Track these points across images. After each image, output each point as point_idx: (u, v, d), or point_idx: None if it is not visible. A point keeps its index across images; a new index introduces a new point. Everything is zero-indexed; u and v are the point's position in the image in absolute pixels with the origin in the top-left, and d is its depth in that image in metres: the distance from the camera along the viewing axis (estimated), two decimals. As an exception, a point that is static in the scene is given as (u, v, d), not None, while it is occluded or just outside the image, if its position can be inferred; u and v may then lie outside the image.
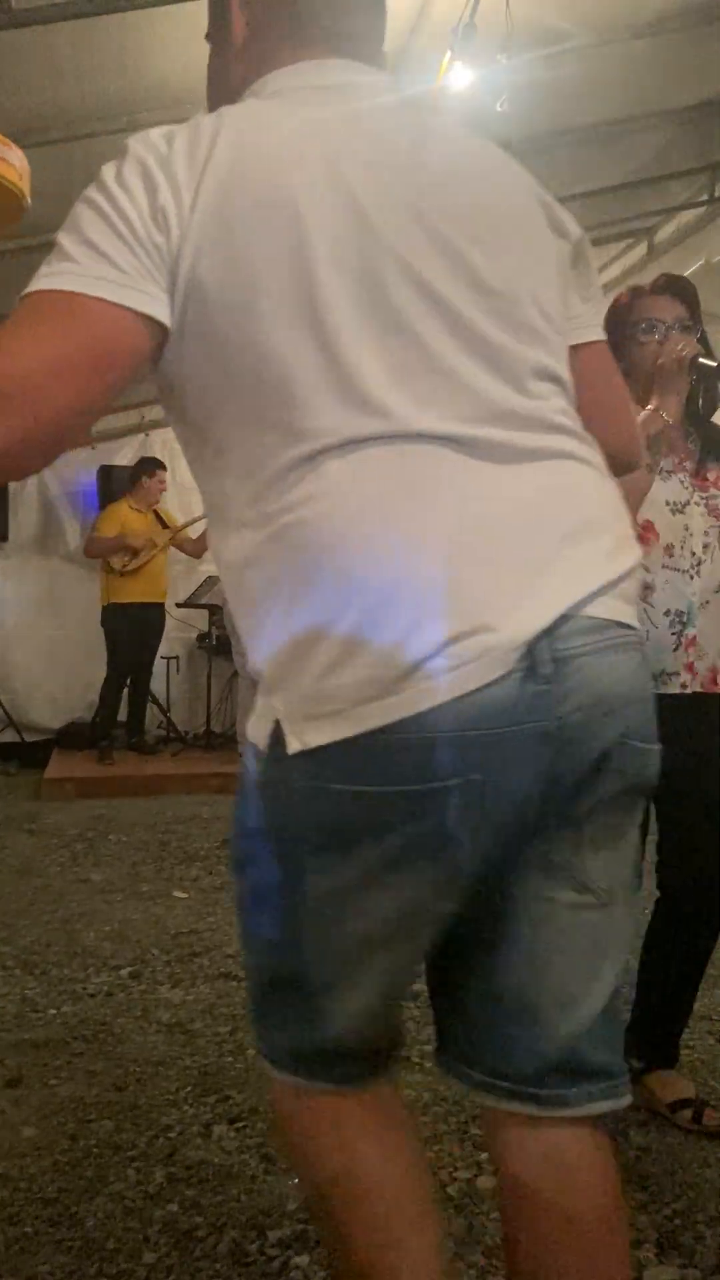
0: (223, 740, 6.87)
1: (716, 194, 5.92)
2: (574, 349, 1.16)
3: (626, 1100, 1.10)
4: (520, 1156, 1.11)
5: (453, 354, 1.02)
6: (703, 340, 2.13)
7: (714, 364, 2.01)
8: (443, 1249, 1.19)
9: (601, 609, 1.01)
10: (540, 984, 1.07)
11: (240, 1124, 2.21)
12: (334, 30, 1.15)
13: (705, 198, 6.01)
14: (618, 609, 1.04)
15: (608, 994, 1.09)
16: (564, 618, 0.98)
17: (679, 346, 2.00)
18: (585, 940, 1.07)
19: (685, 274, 6.67)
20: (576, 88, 4.51)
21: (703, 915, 2.18)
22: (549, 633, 0.97)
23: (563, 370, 1.12)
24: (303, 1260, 1.75)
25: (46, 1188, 1.97)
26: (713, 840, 2.14)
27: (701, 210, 6.11)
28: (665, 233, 6.59)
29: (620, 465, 1.23)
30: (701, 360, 2.00)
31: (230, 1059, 2.53)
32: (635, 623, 1.08)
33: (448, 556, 0.96)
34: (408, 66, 3.95)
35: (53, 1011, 2.82)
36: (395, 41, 3.95)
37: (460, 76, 3.77)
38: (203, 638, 7.21)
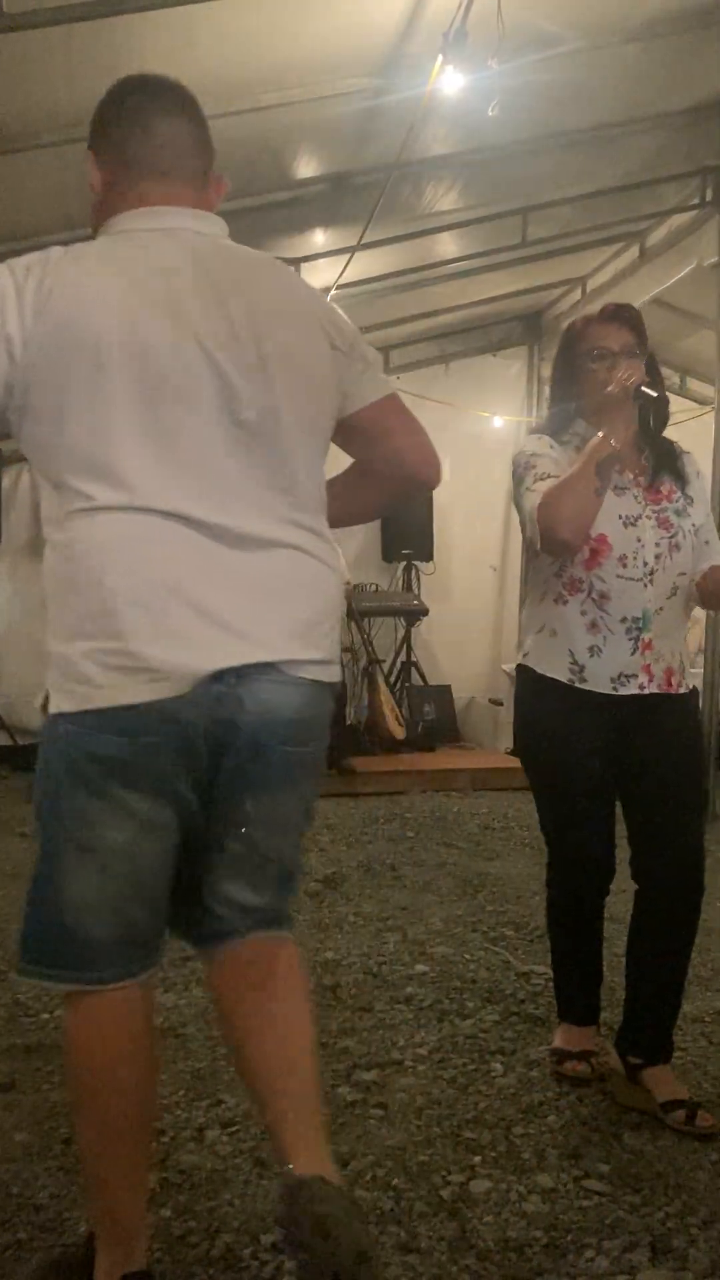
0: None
1: (708, 198, 5.93)
2: (356, 413, 1.62)
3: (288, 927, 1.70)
4: (232, 959, 1.64)
5: (206, 459, 1.45)
6: (650, 364, 2.26)
7: (654, 394, 2.18)
8: (146, 1173, 1.62)
9: (286, 661, 1.51)
10: (232, 867, 1.59)
11: (233, 1128, 2.21)
12: (159, 179, 1.55)
13: (697, 201, 6.03)
14: (302, 660, 1.52)
15: (278, 870, 1.65)
16: (260, 664, 1.48)
17: (624, 375, 2.15)
18: (251, 850, 1.60)
19: (677, 278, 6.70)
20: (568, 92, 4.52)
21: (677, 901, 2.29)
22: (237, 671, 1.46)
23: (302, 481, 1.54)
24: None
25: (39, 1194, 1.97)
26: (678, 828, 2.28)
27: (693, 214, 6.13)
28: (657, 236, 6.60)
29: (416, 487, 1.75)
30: (643, 389, 2.16)
31: (223, 1063, 2.52)
32: (324, 677, 1.57)
33: (152, 600, 1.42)
34: (399, 72, 3.96)
35: (45, 1016, 2.81)
36: (386, 46, 3.96)
37: (452, 81, 3.77)
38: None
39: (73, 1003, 1.52)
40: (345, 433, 1.65)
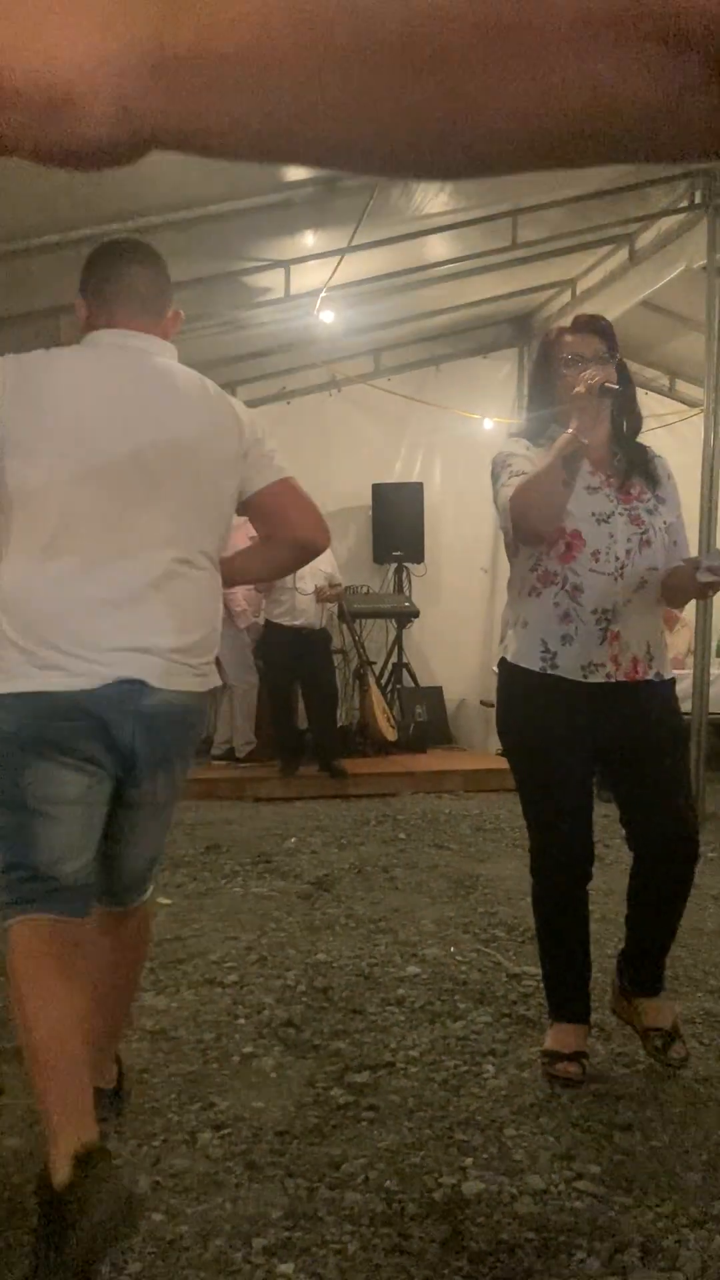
0: (205, 745, 6.86)
1: (697, 200, 5.95)
2: (255, 494, 2.08)
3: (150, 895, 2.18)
4: (116, 924, 2.10)
5: (121, 529, 1.89)
6: (621, 368, 2.43)
7: (615, 387, 2.36)
8: (87, 1081, 1.84)
9: (176, 681, 1.92)
10: (142, 836, 2.06)
11: (224, 1131, 2.21)
12: (123, 312, 2.01)
13: (685, 204, 6.05)
14: (186, 680, 1.94)
15: (161, 838, 2.12)
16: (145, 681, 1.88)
17: (589, 375, 2.31)
18: (150, 822, 2.06)
19: (666, 280, 6.71)
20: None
21: (669, 866, 2.44)
22: (134, 682, 1.87)
23: (198, 543, 1.98)
24: (288, 1268, 1.75)
25: (29, 1199, 1.95)
26: (664, 790, 2.43)
27: (682, 217, 6.15)
28: (646, 239, 6.62)
29: (309, 553, 2.19)
30: (606, 385, 2.33)
31: (215, 1066, 2.52)
32: (197, 687, 1.98)
33: (80, 618, 1.85)
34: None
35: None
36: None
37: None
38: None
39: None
40: (250, 510, 2.13)
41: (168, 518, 1.92)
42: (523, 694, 2.44)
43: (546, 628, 2.37)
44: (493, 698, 8.01)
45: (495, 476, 2.43)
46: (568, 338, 2.43)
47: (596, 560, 2.34)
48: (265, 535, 2.21)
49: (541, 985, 2.62)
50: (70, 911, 1.85)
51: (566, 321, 2.53)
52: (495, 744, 7.64)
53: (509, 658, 2.46)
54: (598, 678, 2.36)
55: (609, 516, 2.37)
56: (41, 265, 4.59)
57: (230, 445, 2.03)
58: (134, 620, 1.87)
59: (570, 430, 2.27)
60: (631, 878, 2.51)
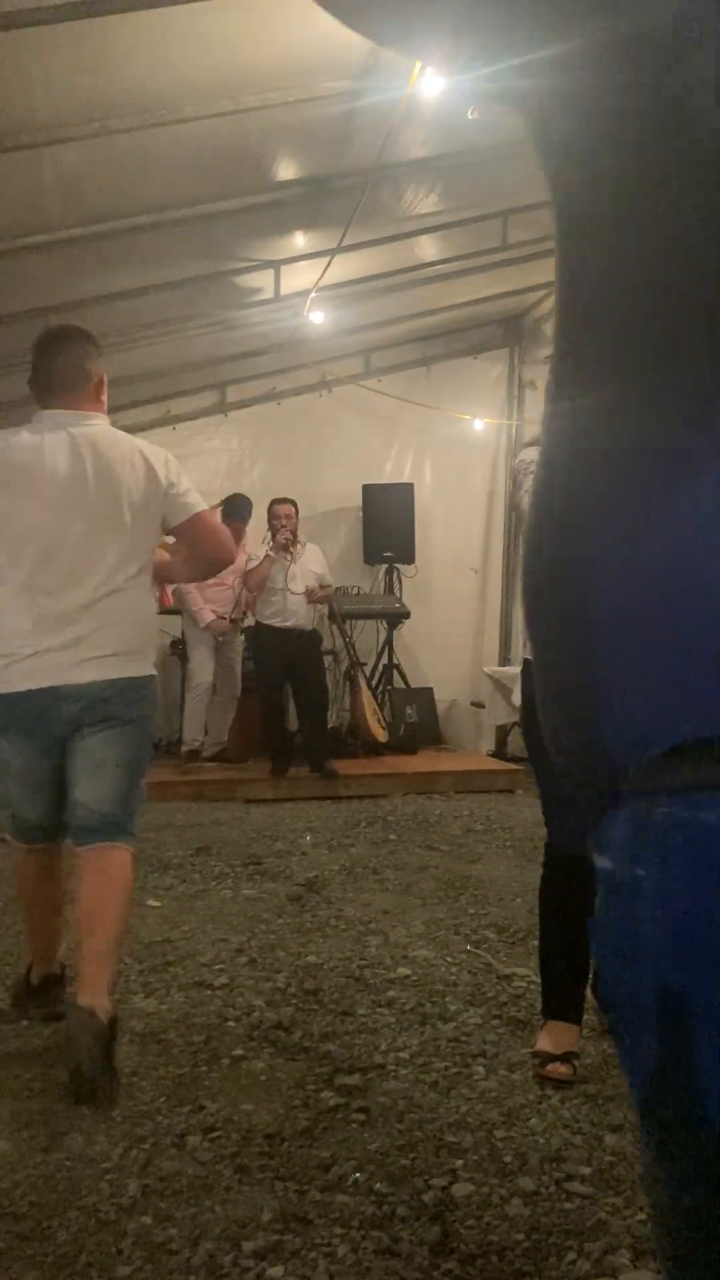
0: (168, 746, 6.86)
1: (686, 202, 5.95)
2: (177, 526, 2.75)
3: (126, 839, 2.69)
4: (85, 861, 2.68)
5: (63, 576, 2.60)
6: None
7: None
8: (58, 935, 2.91)
9: (110, 672, 2.62)
10: (85, 791, 2.63)
11: (214, 1134, 2.20)
12: (52, 397, 2.66)
13: (675, 206, 6.05)
14: (117, 669, 2.63)
15: (110, 793, 2.65)
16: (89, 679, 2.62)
17: None
18: (93, 775, 2.64)
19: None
20: (547, 96, 4.52)
21: None
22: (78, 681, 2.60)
23: (124, 572, 2.64)
24: (277, 1271, 1.74)
25: (18, 1202, 1.95)
26: None
27: (671, 218, 6.15)
28: (636, 240, 6.62)
29: (217, 567, 2.96)
30: None
31: (204, 1069, 2.51)
32: (124, 673, 2.64)
33: (39, 635, 2.58)
34: (378, 75, 3.96)
35: (24, 1023, 2.79)
36: (365, 49, 3.96)
37: (431, 84, 3.78)
38: (176, 644, 7.19)
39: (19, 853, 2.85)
40: (176, 534, 2.81)
41: (103, 562, 2.63)
42: None
43: None
44: (483, 698, 8.01)
45: (519, 484, 2.54)
46: None
47: None
48: (185, 554, 2.92)
49: (532, 986, 2.62)
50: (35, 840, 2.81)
51: None
52: (486, 745, 7.66)
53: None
54: None
55: None
56: (31, 265, 4.58)
57: (151, 491, 2.66)
58: (75, 630, 2.61)
59: None
60: None
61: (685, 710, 0.52)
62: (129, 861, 2.71)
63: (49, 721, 2.59)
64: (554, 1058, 2.45)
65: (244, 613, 6.75)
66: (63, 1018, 2.61)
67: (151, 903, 3.95)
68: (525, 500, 2.47)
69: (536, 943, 2.66)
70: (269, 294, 5.81)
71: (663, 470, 0.53)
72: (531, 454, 2.58)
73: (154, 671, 2.77)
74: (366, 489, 7.81)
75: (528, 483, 2.49)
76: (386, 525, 7.73)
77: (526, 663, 2.58)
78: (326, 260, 5.54)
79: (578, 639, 0.57)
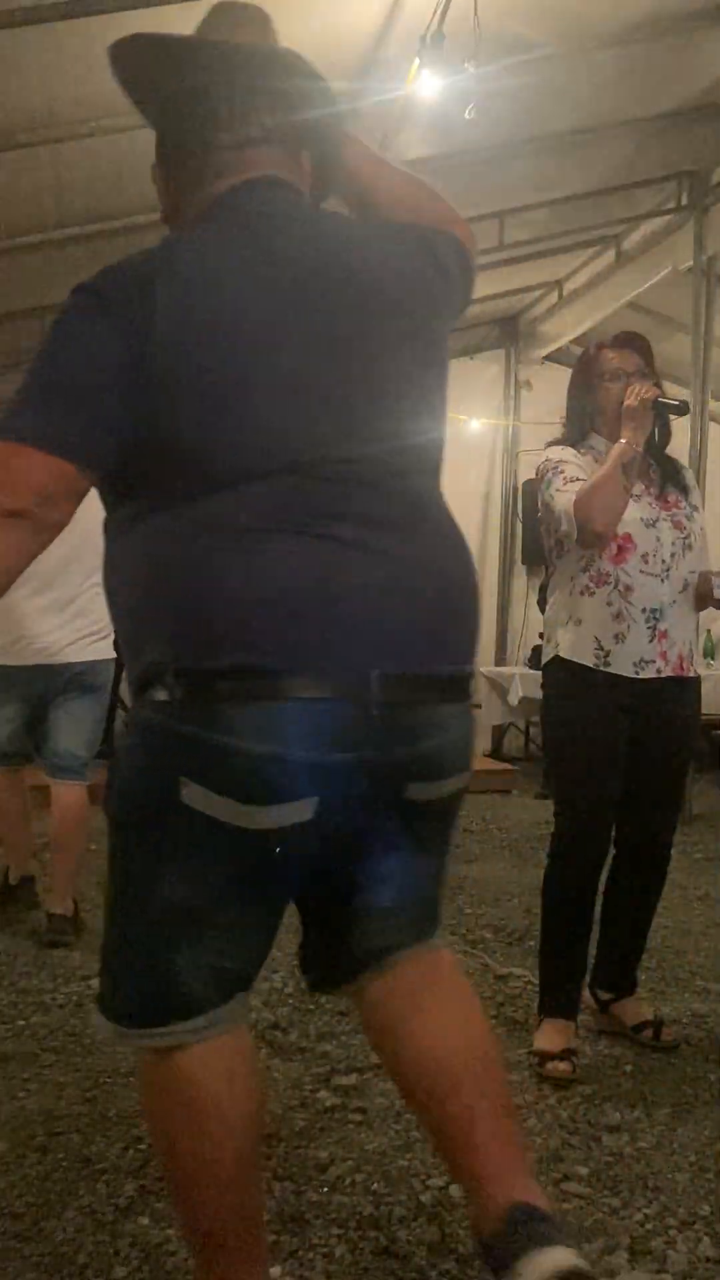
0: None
1: (684, 202, 5.97)
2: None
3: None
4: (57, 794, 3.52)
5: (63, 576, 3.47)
6: (658, 386, 2.59)
7: (675, 401, 2.57)
8: (30, 840, 3.77)
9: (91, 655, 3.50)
10: (58, 729, 3.66)
11: (212, 1134, 2.19)
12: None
13: (672, 205, 6.07)
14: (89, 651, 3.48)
15: (71, 742, 3.57)
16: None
17: (643, 390, 2.48)
18: (70, 718, 3.63)
19: (653, 281, 6.72)
20: (545, 96, 4.53)
21: (656, 865, 2.69)
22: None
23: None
24: (275, 1271, 1.74)
25: (14, 1202, 1.95)
26: (661, 802, 2.64)
27: (669, 218, 6.17)
28: (633, 240, 6.64)
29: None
30: (661, 399, 2.52)
31: (201, 1069, 2.51)
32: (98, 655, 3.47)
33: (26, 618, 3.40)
34: (375, 75, 3.96)
35: (21, 1023, 2.79)
36: (363, 50, 3.96)
37: (429, 85, 3.78)
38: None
39: None
40: None
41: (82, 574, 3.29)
42: (576, 688, 2.55)
43: (600, 626, 2.50)
44: (479, 699, 7.99)
45: (547, 483, 2.55)
46: (609, 353, 2.61)
47: (646, 562, 2.50)
48: None
49: (528, 987, 2.62)
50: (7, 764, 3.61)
51: (606, 338, 2.70)
52: (483, 745, 7.65)
53: (562, 654, 2.57)
54: (649, 673, 2.51)
55: (655, 521, 2.53)
56: (30, 265, 4.58)
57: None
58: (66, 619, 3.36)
59: (624, 440, 2.46)
60: (612, 873, 2.66)
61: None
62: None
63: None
64: (553, 1056, 2.45)
65: None
66: (39, 906, 3.57)
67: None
68: (561, 499, 2.48)
69: (533, 943, 2.67)
70: (266, 294, 5.80)
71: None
72: (557, 453, 2.61)
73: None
74: (364, 489, 7.79)
75: (558, 482, 2.52)
76: (383, 525, 7.73)
77: (555, 658, 2.58)
78: (323, 260, 5.53)
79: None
